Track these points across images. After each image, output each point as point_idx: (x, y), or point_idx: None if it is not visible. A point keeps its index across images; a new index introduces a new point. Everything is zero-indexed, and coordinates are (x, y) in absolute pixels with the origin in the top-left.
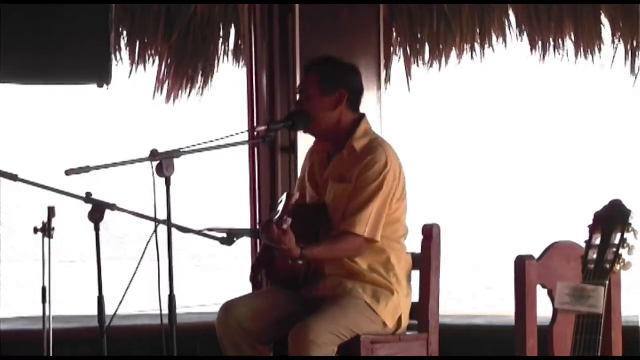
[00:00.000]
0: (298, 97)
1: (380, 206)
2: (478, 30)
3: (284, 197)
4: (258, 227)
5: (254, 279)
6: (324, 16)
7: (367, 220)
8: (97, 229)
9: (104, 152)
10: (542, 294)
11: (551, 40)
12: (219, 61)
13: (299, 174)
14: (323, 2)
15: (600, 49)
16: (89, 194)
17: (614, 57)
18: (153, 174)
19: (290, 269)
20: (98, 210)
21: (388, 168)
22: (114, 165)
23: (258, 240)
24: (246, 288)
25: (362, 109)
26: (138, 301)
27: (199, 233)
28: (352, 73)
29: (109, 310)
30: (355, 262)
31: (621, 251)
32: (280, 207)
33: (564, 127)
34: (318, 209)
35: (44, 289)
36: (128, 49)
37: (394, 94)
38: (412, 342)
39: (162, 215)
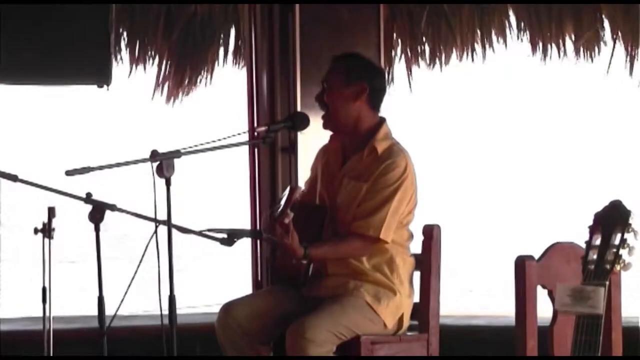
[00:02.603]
0: (322, 88)
1: (394, 209)
2: (478, 31)
3: (287, 191)
4: (258, 227)
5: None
6: (324, 16)
7: (380, 224)
8: (97, 230)
9: (104, 153)
10: (542, 295)
11: (551, 40)
12: (218, 61)
13: (308, 174)
14: (323, 2)
15: (600, 50)
16: (89, 195)
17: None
18: (153, 174)
19: (292, 267)
20: (98, 211)
21: (406, 174)
22: (114, 165)
23: (258, 241)
24: (246, 288)
25: None
26: (138, 301)
27: (199, 233)
28: (377, 71)
29: (109, 311)
30: (360, 262)
31: (621, 252)
32: (283, 201)
33: (564, 128)
34: (321, 210)
35: (44, 289)
36: (128, 49)
37: (394, 94)
38: (412, 342)
39: (162, 216)
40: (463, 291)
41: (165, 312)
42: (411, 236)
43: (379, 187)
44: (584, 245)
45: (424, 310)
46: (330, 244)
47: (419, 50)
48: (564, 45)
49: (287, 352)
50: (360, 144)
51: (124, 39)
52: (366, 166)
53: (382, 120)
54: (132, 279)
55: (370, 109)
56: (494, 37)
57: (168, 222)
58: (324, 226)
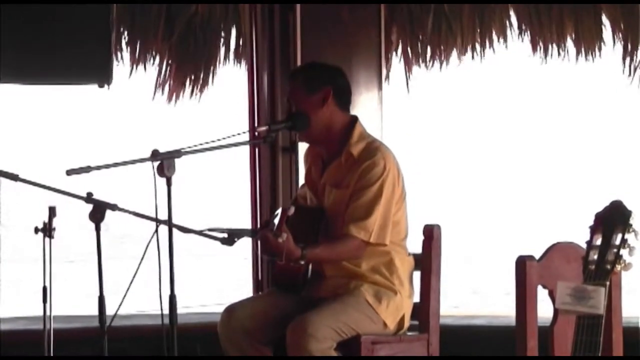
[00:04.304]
0: (287, 105)
1: (385, 211)
2: (479, 31)
3: (279, 212)
4: (258, 228)
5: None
6: (324, 16)
7: (372, 226)
8: (97, 229)
9: (105, 152)
10: (542, 295)
11: (552, 40)
12: (219, 61)
13: (301, 175)
14: (324, 2)
15: (600, 50)
16: (89, 194)
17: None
18: (154, 174)
19: (290, 270)
20: (99, 210)
21: (387, 171)
22: (115, 165)
23: (258, 241)
24: (247, 288)
25: (362, 109)
26: (139, 301)
27: (200, 233)
28: (336, 72)
29: (110, 310)
30: (357, 265)
31: (622, 252)
32: (276, 221)
33: (565, 128)
34: (318, 212)
35: (44, 288)
36: (128, 48)
37: (394, 94)
38: (412, 342)
39: (163, 216)
40: (463, 291)
41: (166, 312)
42: (406, 233)
43: (360, 188)
44: (584, 246)
45: (424, 310)
46: (326, 245)
47: (419, 50)
48: (564, 45)
49: (288, 348)
50: (337, 149)
51: (124, 39)
52: (346, 172)
53: (354, 120)
54: (133, 278)
55: (340, 110)
56: (494, 37)
57: (169, 222)
58: (321, 228)
